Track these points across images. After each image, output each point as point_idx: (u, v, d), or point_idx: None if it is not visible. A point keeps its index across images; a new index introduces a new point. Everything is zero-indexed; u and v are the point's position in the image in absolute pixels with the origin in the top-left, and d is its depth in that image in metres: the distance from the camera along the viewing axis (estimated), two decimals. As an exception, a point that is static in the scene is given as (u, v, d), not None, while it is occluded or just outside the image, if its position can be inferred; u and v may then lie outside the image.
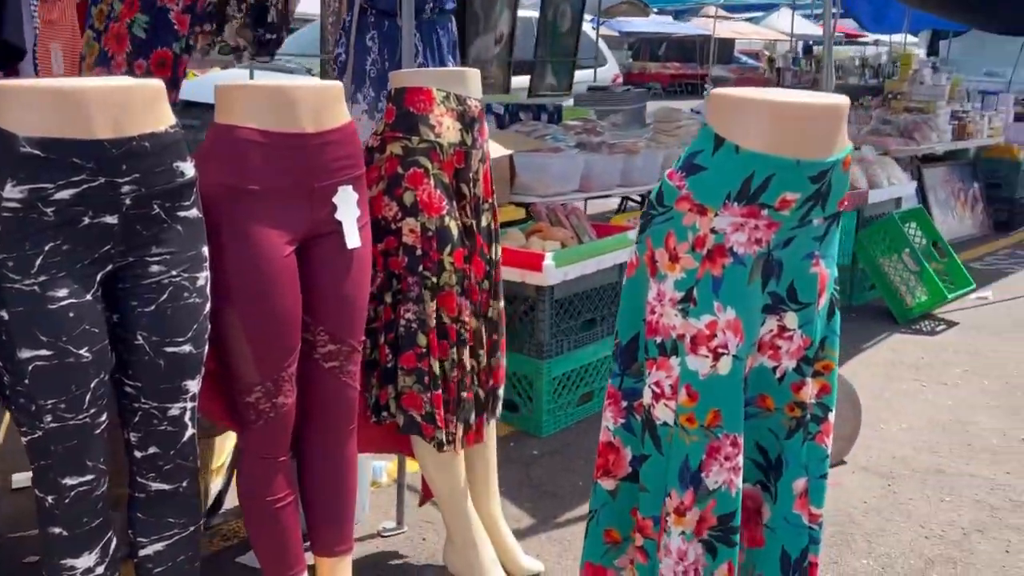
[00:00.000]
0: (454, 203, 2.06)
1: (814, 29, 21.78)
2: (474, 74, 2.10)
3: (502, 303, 2.24)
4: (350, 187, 1.79)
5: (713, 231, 1.47)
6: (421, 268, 2.01)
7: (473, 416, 2.15)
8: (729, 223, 1.47)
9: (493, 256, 2.21)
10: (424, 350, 2.02)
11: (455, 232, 2.04)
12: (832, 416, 1.63)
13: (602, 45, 10.04)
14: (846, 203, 1.58)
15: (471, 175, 2.10)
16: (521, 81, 7.22)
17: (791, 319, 1.55)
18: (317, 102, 1.70)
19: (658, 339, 1.54)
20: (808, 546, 1.62)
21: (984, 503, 2.73)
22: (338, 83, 1.78)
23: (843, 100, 1.51)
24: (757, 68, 15.76)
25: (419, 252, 2.01)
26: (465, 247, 2.08)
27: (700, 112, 5.53)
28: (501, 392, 2.25)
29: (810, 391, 1.60)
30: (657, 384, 1.53)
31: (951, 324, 4.56)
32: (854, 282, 4.78)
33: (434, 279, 2.02)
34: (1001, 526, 2.60)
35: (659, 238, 1.53)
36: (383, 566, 2.34)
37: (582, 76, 8.82)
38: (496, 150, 3.27)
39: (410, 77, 2.03)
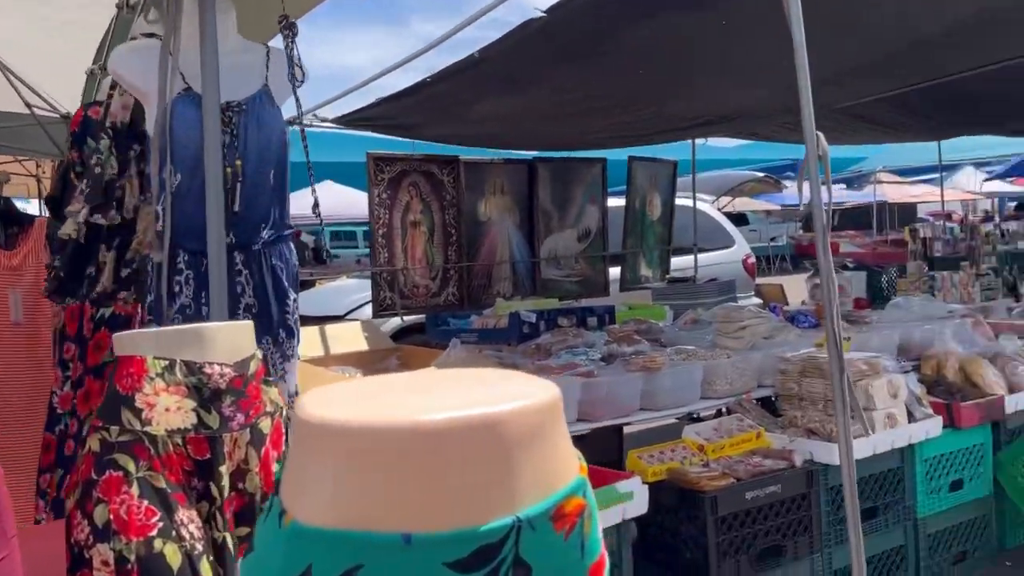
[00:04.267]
0: (181, 515, 1.43)
1: (1006, 188, 19.73)
2: (227, 330, 1.52)
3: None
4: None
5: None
6: (116, 620, 1.37)
7: None
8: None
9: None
10: None
11: (176, 560, 1.40)
12: None
13: (727, 225, 9.29)
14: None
15: (224, 469, 1.49)
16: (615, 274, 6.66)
17: None
18: None
19: None
20: None
21: None
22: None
23: (539, 394, 0.78)
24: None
25: (114, 595, 1.38)
26: (199, 578, 1.43)
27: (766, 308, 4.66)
28: None
29: None
30: None
31: None
32: (1005, 518, 3.57)
33: (134, 636, 1.37)
34: None
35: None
36: None
37: (709, 259, 8.15)
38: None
39: (126, 341, 1.49)
